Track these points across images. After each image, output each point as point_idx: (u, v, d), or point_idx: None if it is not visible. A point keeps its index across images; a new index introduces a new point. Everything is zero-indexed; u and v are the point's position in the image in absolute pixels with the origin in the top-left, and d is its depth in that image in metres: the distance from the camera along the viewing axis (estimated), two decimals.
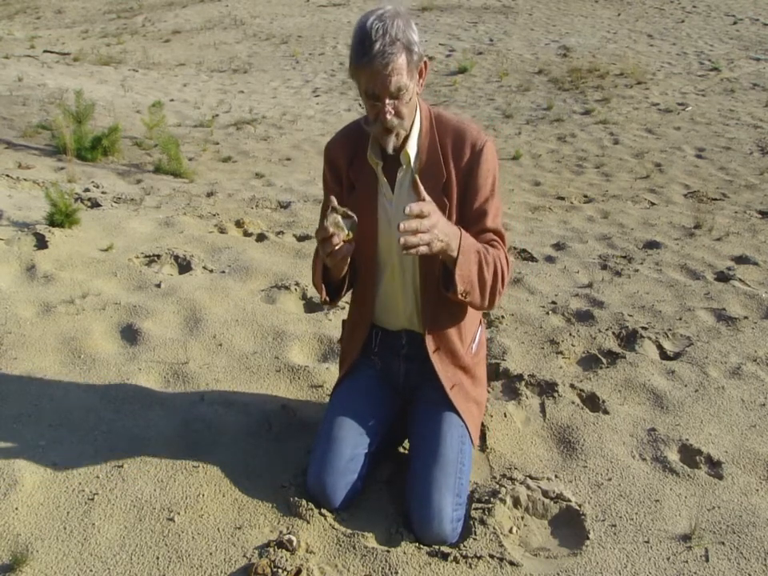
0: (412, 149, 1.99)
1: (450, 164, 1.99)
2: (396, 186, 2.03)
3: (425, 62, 1.92)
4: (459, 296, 1.89)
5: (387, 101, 1.83)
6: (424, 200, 1.73)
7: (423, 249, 1.70)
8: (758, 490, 2.22)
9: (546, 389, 2.70)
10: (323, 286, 2.03)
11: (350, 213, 1.80)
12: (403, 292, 2.12)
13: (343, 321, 2.38)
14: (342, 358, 2.33)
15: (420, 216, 1.68)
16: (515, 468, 2.26)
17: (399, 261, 2.08)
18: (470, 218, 2.00)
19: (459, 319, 2.12)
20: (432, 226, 1.70)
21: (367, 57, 1.77)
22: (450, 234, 1.78)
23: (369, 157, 2.02)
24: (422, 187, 1.72)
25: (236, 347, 2.88)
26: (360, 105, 8.70)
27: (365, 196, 2.05)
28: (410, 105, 1.89)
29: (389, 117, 1.85)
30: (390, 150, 1.93)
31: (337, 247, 1.78)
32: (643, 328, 3.19)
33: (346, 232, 1.78)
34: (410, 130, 1.98)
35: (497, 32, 12.78)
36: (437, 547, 1.91)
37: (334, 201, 1.79)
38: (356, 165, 2.06)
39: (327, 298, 2.06)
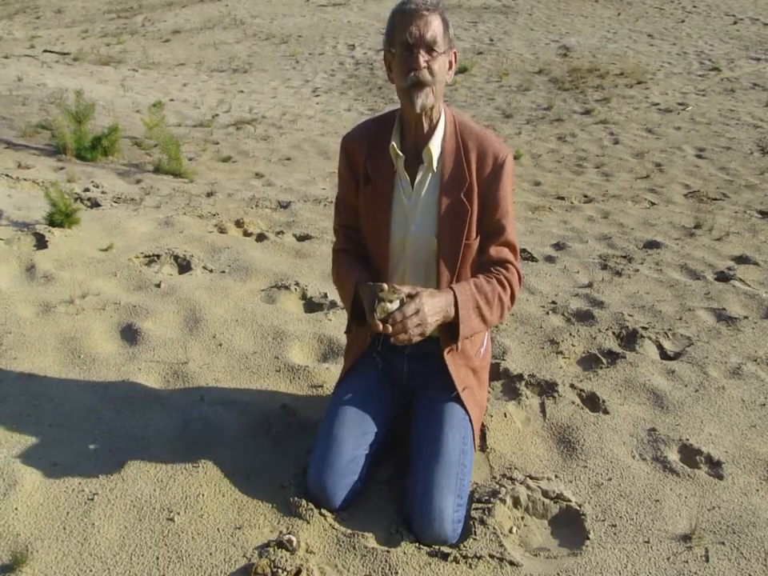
0: (435, 148, 2.00)
1: (472, 171, 2.01)
2: (416, 183, 2.04)
3: (455, 53, 1.98)
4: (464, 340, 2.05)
5: (422, 52, 1.87)
6: (409, 295, 1.84)
7: (417, 338, 1.85)
8: (758, 490, 2.22)
9: (546, 389, 2.70)
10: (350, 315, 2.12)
11: (396, 289, 1.84)
12: None
13: None
14: (348, 348, 2.33)
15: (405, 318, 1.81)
16: (515, 468, 2.26)
17: (412, 260, 2.08)
18: (490, 230, 2.05)
19: None
20: (421, 322, 1.83)
21: (408, 5, 1.89)
22: (443, 306, 1.89)
23: (391, 148, 2.02)
24: (405, 288, 1.85)
25: (236, 347, 2.88)
26: (361, 100, 8.70)
27: (381, 189, 2.06)
28: (440, 72, 1.91)
29: (422, 64, 1.87)
30: (419, 108, 1.92)
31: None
32: (643, 328, 3.19)
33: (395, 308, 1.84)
34: (435, 128, 2.00)
35: (497, 32, 12.77)
36: (437, 547, 1.91)
37: (381, 287, 1.84)
38: (373, 158, 2.07)
39: (353, 328, 2.15)
